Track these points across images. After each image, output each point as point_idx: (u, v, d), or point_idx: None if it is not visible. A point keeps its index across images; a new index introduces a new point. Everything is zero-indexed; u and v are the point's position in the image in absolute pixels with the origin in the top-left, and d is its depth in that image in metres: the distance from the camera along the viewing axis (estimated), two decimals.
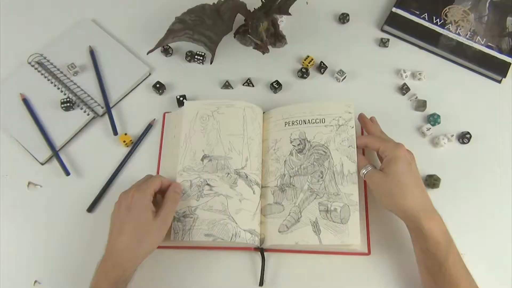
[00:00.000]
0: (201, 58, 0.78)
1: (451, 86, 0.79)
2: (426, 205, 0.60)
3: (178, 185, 0.65)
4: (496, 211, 0.70)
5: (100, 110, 0.75)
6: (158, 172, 0.70)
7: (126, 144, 0.72)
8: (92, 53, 0.79)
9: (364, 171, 0.63)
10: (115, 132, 0.73)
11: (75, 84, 0.76)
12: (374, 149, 0.65)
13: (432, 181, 0.70)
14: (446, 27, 0.82)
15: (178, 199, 0.63)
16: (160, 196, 0.63)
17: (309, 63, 0.79)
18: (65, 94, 0.75)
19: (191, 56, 0.79)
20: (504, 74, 0.79)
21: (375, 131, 0.68)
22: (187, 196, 0.65)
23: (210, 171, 0.66)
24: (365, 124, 0.69)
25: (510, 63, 0.79)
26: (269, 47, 0.76)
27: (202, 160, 0.67)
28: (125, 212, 0.59)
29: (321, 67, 0.79)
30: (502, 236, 0.68)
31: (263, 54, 0.76)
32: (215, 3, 0.76)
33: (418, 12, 0.83)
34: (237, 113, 0.70)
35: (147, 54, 0.74)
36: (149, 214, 0.59)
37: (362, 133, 0.73)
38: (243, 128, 0.69)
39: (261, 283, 0.64)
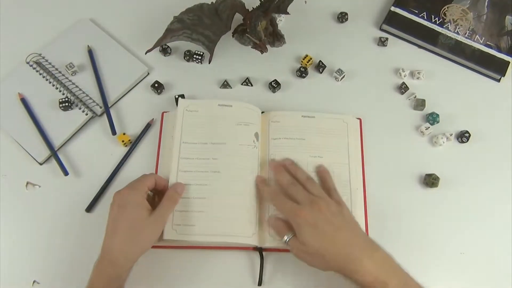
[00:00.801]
0: (200, 57, 0.78)
1: (450, 85, 0.79)
2: (350, 256, 0.56)
3: (181, 185, 0.64)
4: (495, 210, 0.70)
5: (98, 110, 0.75)
6: (156, 172, 0.70)
7: (124, 144, 0.72)
8: (90, 52, 0.79)
9: (286, 238, 0.59)
10: (114, 132, 0.73)
11: (73, 83, 0.76)
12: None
13: (431, 180, 0.70)
14: (445, 26, 0.82)
15: (177, 200, 0.63)
16: (158, 197, 0.64)
17: (307, 62, 0.78)
18: (63, 94, 0.75)
19: (189, 56, 0.79)
20: (503, 73, 0.79)
21: (282, 182, 0.64)
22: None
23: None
24: (275, 173, 0.66)
25: (509, 62, 0.79)
26: (268, 46, 0.76)
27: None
28: (119, 211, 0.58)
29: (320, 66, 0.79)
30: (502, 235, 0.68)
31: (262, 53, 0.76)
32: (213, 2, 0.75)
33: (416, 11, 0.83)
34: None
35: (146, 53, 0.74)
36: (143, 211, 0.58)
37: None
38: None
39: (259, 283, 0.64)
